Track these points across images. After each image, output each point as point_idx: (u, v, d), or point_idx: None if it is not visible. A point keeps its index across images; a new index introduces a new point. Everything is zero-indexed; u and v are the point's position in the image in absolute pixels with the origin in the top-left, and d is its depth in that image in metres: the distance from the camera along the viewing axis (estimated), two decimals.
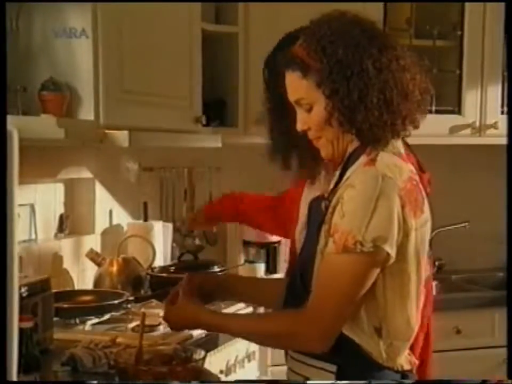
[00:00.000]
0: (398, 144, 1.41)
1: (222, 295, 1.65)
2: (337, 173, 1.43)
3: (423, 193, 1.39)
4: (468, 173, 3.25)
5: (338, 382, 1.39)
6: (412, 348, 1.47)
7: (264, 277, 2.78)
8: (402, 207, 1.32)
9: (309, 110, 1.40)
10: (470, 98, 2.98)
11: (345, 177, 1.39)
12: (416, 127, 1.41)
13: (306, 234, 1.49)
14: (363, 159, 1.37)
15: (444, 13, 3.02)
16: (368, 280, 1.32)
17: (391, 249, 1.31)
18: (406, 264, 1.36)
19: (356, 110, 1.34)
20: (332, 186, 1.42)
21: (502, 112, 3.02)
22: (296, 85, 1.40)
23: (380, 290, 1.36)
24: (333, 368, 1.38)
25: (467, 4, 2.94)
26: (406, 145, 1.47)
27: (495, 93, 3.00)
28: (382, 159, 1.35)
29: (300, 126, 1.44)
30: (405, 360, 1.43)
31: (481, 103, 2.98)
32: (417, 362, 1.46)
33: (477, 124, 2.99)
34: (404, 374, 1.42)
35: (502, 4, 2.95)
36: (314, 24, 1.40)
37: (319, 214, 1.40)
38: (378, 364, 1.39)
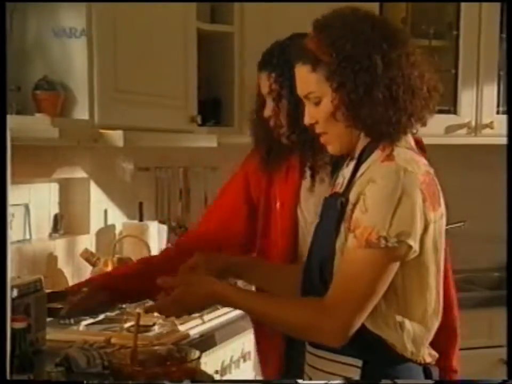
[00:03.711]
0: (410, 140, 1.42)
1: (233, 277, 1.62)
2: (350, 168, 1.42)
3: (439, 186, 1.40)
4: (464, 173, 3.25)
5: (334, 382, 1.39)
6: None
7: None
8: (423, 200, 1.33)
9: (318, 103, 1.40)
10: (466, 98, 2.98)
11: (359, 173, 1.39)
12: (423, 124, 1.41)
13: (321, 232, 1.47)
14: (378, 154, 1.37)
15: (439, 13, 3.02)
16: (390, 275, 1.33)
17: (414, 243, 1.32)
18: (425, 256, 1.37)
19: (361, 105, 1.34)
20: (345, 182, 1.42)
21: (498, 112, 3.02)
22: (306, 78, 1.40)
23: (400, 283, 1.36)
24: (359, 363, 1.39)
25: (463, 4, 2.94)
26: (416, 141, 1.47)
27: (491, 92, 3.00)
28: (399, 154, 1.36)
29: (307, 120, 1.44)
30: (427, 352, 1.44)
31: (477, 102, 2.98)
32: (437, 355, 1.46)
33: (473, 123, 2.99)
34: (426, 367, 1.43)
35: (498, 4, 2.95)
36: (325, 18, 1.41)
37: (335, 211, 1.39)
38: (403, 356, 1.39)
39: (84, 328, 2.01)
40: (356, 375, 1.38)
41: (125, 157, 2.67)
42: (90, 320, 2.06)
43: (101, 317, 2.08)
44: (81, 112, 2.03)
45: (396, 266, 1.33)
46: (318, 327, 1.35)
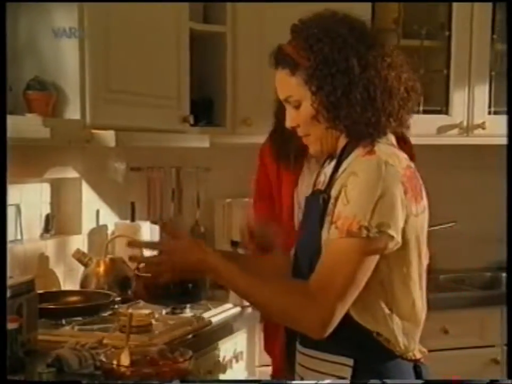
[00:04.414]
0: (391, 137, 1.45)
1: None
2: (332, 165, 1.45)
3: (420, 180, 1.42)
4: (455, 173, 3.25)
5: (324, 381, 1.39)
6: None
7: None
8: (405, 193, 1.35)
9: (298, 107, 1.43)
10: (458, 99, 2.99)
11: (341, 170, 1.41)
12: (401, 125, 1.43)
13: (306, 229, 1.49)
14: (360, 150, 1.40)
15: (431, 13, 3.03)
16: (371, 265, 1.34)
17: (396, 234, 1.34)
18: (407, 249, 1.39)
19: (340, 107, 1.37)
20: (327, 179, 1.44)
21: (490, 112, 3.03)
22: (285, 82, 1.43)
23: (386, 276, 1.38)
24: (350, 362, 1.40)
25: (455, 4, 2.94)
26: (398, 138, 1.49)
27: (483, 93, 3.01)
28: (380, 149, 1.38)
29: (288, 123, 1.47)
30: (417, 348, 1.45)
31: (468, 103, 2.99)
32: (426, 351, 1.48)
33: (465, 124, 3.00)
34: (417, 364, 1.45)
35: (489, 4, 2.96)
36: (303, 23, 1.43)
37: (318, 207, 1.41)
38: (394, 353, 1.40)
39: (76, 329, 2.00)
40: (347, 374, 1.39)
41: (117, 157, 2.67)
42: (82, 321, 2.05)
43: (93, 317, 2.07)
44: (73, 112, 2.02)
45: (376, 257, 1.35)
46: (301, 310, 1.35)
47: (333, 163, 1.45)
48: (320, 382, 1.40)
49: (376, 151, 1.37)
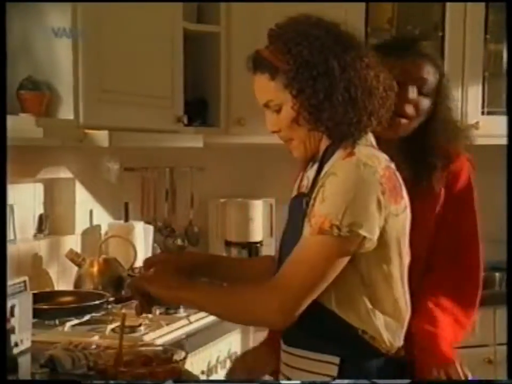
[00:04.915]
0: (370, 137, 1.45)
1: (201, 276, 1.61)
2: (314, 168, 1.46)
3: (400, 180, 1.43)
4: None
5: (318, 381, 1.39)
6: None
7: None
8: (383, 193, 1.36)
9: (278, 111, 1.43)
10: None
11: (323, 172, 1.41)
12: (380, 123, 1.44)
13: (289, 232, 1.49)
14: (340, 153, 1.40)
15: (425, 14, 3.03)
16: (339, 264, 1.35)
17: (368, 234, 1.34)
18: (387, 249, 1.39)
19: (322, 108, 1.38)
20: (310, 182, 1.45)
21: (483, 113, 3.04)
22: (265, 87, 1.43)
23: (366, 274, 1.39)
24: (336, 360, 1.40)
25: (448, 4, 2.95)
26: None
27: (476, 93, 3.02)
28: (360, 151, 1.39)
29: (270, 128, 1.47)
30: (401, 346, 1.45)
31: (462, 103, 2.99)
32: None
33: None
34: (402, 363, 1.45)
35: (482, 4, 2.97)
36: (279, 27, 1.44)
37: (300, 211, 1.42)
38: (380, 350, 1.41)
39: (69, 329, 2.00)
40: (333, 372, 1.40)
41: (111, 157, 2.66)
42: (76, 321, 2.05)
43: (87, 317, 2.07)
44: (66, 112, 2.02)
45: (347, 257, 1.35)
46: (259, 304, 1.35)
47: (316, 166, 1.45)
48: (313, 381, 1.40)
49: (356, 152, 1.38)
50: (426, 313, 1.66)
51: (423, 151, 1.71)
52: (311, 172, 1.47)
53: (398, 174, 1.42)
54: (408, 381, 1.44)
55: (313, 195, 1.38)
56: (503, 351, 2.76)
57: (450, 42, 2.96)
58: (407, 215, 1.43)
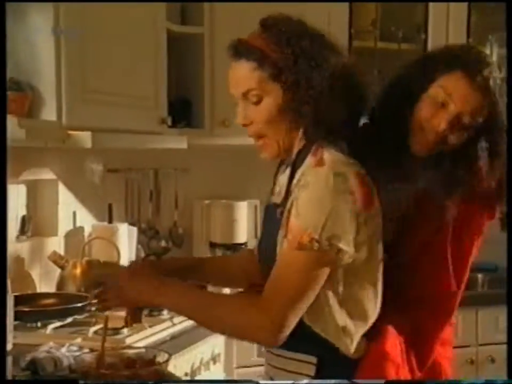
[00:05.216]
0: (342, 143, 1.41)
1: (184, 279, 1.58)
2: (287, 174, 1.43)
3: (371, 184, 1.39)
4: None
5: (299, 382, 1.40)
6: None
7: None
8: (354, 202, 1.33)
9: (257, 102, 1.38)
10: None
11: (295, 180, 1.39)
12: (355, 127, 1.43)
13: (265, 241, 1.48)
14: (311, 159, 1.38)
15: (408, 16, 3.05)
16: (322, 277, 1.34)
17: (347, 246, 1.33)
18: (361, 254, 1.37)
19: (310, 103, 1.34)
20: (283, 191, 1.42)
21: None
22: (247, 76, 1.37)
23: (337, 280, 1.37)
24: (314, 360, 1.39)
25: (431, 7, 2.96)
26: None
27: None
28: (330, 158, 1.36)
29: (241, 120, 1.41)
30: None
31: None
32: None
33: None
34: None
35: (465, 6, 2.98)
36: (273, 18, 1.41)
37: (276, 221, 1.40)
38: (346, 355, 1.40)
39: (51, 332, 1.99)
40: (311, 372, 1.40)
41: (94, 158, 2.65)
42: (58, 324, 2.03)
43: (69, 320, 2.06)
44: (49, 113, 2.01)
45: (327, 269, 1.34)
46: (252, 322, 1.34)
47: (288, 171, 1.42)
48: (290, 382, 1.41)
49: (326, 161, 1.35)
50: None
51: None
52: (283, 177, 1.44)
53: (368, 178, 1.38)
54: (382, 380, 1.44)
55: (287, 206, 1.36)
56: (485, 351, 2.79)
57: (433, 44, 2.97)
58: (378, 220, 1.40)
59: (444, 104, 1.46)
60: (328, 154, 1.36)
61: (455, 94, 1.45)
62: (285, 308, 1.33)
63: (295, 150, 1.41)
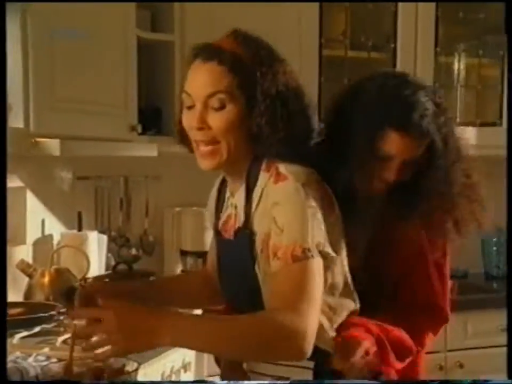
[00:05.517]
0: (292, 156, 1.40)
1: (138, 302, 1.45)
2: (242, 196, 1.41)
3: (329, 190, 1.40)
4: None
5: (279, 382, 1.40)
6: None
7: None
8: (321, 208, 1.34)
9: (219, 108, 1.35)
10: None
11: (254, 203, 1.38)
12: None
13: (230, 271, 1.47)
14: (265, 176, 1.37)
15: (378, 26, 3.08)
16: (321, 282, 1.33)
17: (330, 250, 1.35)
18: (340, 257, 1.40)
19: (266, 117, 1.34)
20: (241, 215, 1.40)
21: None
22: (216, 78, 1.35)
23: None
24: (311, 364, 1.39)
25: (399, 16, 3.00)
26: None
27: None
28: (289, 170, 1.35)
29: (197, 123, 1.37)
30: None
31: None
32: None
33: None
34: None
35: (433, 17, 3.03)
36: (243, 31, 1.42)
37: (244, 246, 1.38)
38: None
39: (18, 341, 1.96)
40: (309, 377, 1.40)
41: (64, 166, 2.63)
42: (26, 333, 2.01)
43: (37, 329, 2.03)
44: (16, 120, 1.98)
45: (322, 274, 1.34)
46: (279, 339, 1.26)
47: (242, 193, 1.40)
48: (261, 382, 1.41)
49: (287, 174, 1.34)
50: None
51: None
52: (238, 199, 1.42)
53: (324, 183, 1.39)
54: (376, 382, 1.45)
55: (262, 229, 1.35)
56: (453, 357, 2.82)
57: (402, 54, 3.01)
58: (340, 224, 1.41)
59: (389, 158, 1.47)
60: (285, 168, 1.35)
61: (395, 150, 1.46)
62: (306, 318, 1.27)
63: (244, 165, 1.40)
